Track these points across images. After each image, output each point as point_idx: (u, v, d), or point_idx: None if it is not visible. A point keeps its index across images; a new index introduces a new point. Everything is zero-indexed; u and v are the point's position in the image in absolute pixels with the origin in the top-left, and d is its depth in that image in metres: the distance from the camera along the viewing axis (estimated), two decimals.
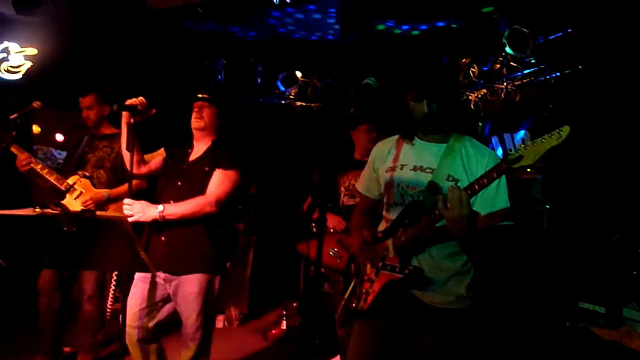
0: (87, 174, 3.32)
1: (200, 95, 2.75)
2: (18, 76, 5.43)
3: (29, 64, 5.44)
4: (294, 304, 5.10)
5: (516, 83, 4.63)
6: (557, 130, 1.58)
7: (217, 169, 2.65)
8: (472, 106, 4.98)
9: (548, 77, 4.30)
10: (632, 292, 3.01)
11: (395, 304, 2.00)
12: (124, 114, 2.62)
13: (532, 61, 4.21)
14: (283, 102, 6.22)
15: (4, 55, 5.37)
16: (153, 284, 2.61)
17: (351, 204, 3.56)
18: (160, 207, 2.50)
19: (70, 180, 3.29)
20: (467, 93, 5.03)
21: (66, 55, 5.42)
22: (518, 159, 1.64)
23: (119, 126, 2.83)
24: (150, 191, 2.84)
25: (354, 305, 2.09)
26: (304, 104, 6.28)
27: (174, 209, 2.54)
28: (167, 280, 2.62)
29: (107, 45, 5.38)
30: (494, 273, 2.08)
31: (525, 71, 4.38)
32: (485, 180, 1.73)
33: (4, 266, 1.80)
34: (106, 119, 3.61)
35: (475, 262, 1.97)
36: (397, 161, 2.09)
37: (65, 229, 1.61)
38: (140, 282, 2.62)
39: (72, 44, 5.39)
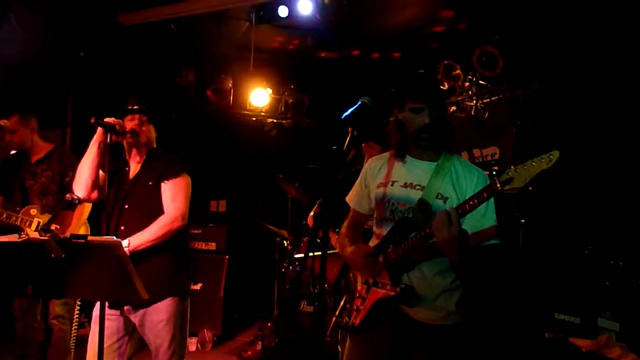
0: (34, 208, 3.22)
1: (129, 107, 2.59)
2: None
3: None
4: (269, 324, 5.03)
5: (485, 100, 4.77)
6: (547, 155, 1.63)
7: (164, 182, 2.52)
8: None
9: (516, 94, 4.45)
10: (606, 302, 3.11)
11: (386, 320, 2.01)
12: (99, 130, 2.48)
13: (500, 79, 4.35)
14: (254, 118, 6.19)
15: None
16: (116, 318, 2.46)
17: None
18: (125, 242, 2.35)
19: (23, 213, 3.18)
20: None
21: (29, 73, 5.22)
22: (509, 181, 1.68)
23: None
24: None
25: (345, 321, 2.10)
26: (275, 120, 6.27)
27: (140, 240, 2.40)
28: (131, 311, 2.46)
29: (74, 62, 5.22)
30: (481, 290, 2.10)
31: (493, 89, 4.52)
32: (475, 201, 1.76)
33: None
34: (34, 136, 3.42)
35: (464, 281, 1.99)
36: (389, 177, 2.11)
37: (53, 255, 1.53)
38: (101, 318, 2.37)
39: (36, 61, 5.20)
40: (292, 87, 6.01)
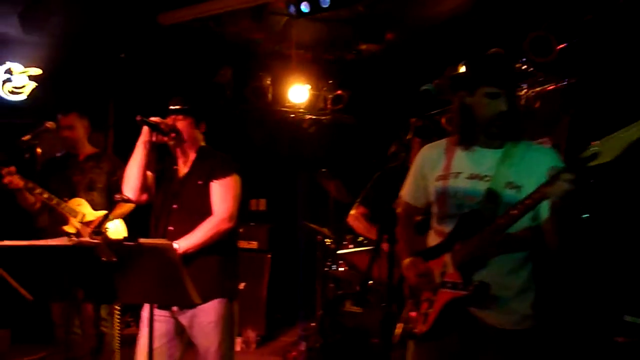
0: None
1: (171, 107, 2.50)
2: (22, 97, 5.30)
3: (33, 85, 5.31)
4: (312, 324, 4.94)
5: (536, 89, 4.52)
6: (637, 123, 1.46)
7: (213, 181, 2.45)
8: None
9: (569, 83, 4.19)
10: None
11: (456, 325, 1.86)
12: (145, 130, 2.42)
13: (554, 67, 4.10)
14: (293, 115, 6.11)
15: (8, 76, 5.23)
16: (166, 320, 2.40)
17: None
18: (175, 244, 2.23)
19: (72, 204, 3.22)
20: None
21: (72, 75, 5.30)
22: (594, 157, 1.51)
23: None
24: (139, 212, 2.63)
25: (410, 327, 1.94)
26: (313, 116, 6.17)
27: (189, 242, 2.32)
28: (180, 312, 2.41)
29: (114, 64, 5.26)
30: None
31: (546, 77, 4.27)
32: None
33: (30, 300, 1.64)
34: (85, 137, 3.49)
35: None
36: (450, 169, 1.95)
37: (104, 259, 1.47)
38: (150, 321, 2.33)
39: (78, 64, 5.27)
40: (331, 82, 5.90)
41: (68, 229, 3.22)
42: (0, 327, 4.34)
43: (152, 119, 2.41)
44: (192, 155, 2.55)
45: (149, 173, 2.47)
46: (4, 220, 4.19)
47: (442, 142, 2.06)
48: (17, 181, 3.05)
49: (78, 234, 3.20)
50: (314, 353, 4.49)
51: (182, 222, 2.39)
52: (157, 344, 2.33)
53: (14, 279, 1.61)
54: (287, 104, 5.84)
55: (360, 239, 4.38)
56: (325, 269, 4.70)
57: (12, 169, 3.04)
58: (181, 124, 2.49)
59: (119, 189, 3.37)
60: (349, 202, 4.98)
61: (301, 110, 5.99)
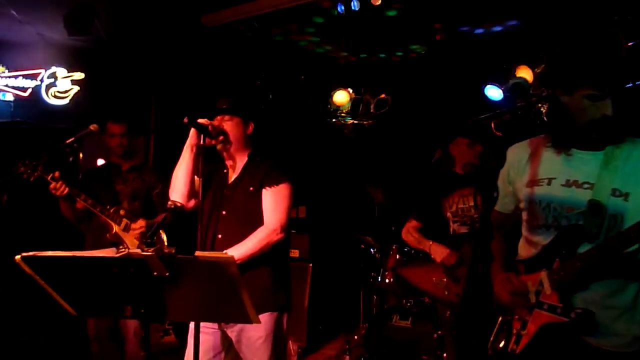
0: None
1: (217, 108, 2.37)
2: (65, 101, 5.32)
3: (76, 89, 5.33)
4: (355, 337, 4.73)
5: None
6: None
7: (266, 188, 2.30)
8: (544, 117, 4.58)
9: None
10: None
11: (552, 348, 1.65)
12: (192, 132, 2.31)
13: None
14: (334, 119, 5.93)
15: (52, 80, 5.27)
16: (213, 332, 2.28)
17: (463, 232, 3.20)
18: None
19: (113, 212, 3.17)
20: (539, 105, 4.63)
21: (114, 79, 5.28)
22: None
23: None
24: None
25: (501, 346, 1.76)
26: (355, 121, 5.98)
27: (238, 253, 2.17)
28: (227, 325, 2.27)
29: (156, 67, 5.21)
30: None
31: None
32: None
33: (74, 315, 1.50)
34: (132, 147, 3.46)
35: None
36: (540, 174, 1.74)
37: (155, 273, 1.31)
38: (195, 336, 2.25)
39: (121, 67, 5.25)
40: (373, 86, 5.71)
41: (111, 237, 3.17)
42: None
43: (200, 120, 2.28)
44: (242, 160, 2.42)
45: (196, 178, 2.33)
46: (45, 229, 4.17)
47: (527, 143, 1.86)
48: (62, 187, 2.99)
49: (122, 242, 3.13)
50: None
51: (231, 230, 2.26)
52: (204, 358, 2.21)
53: (56, 292, 1.47)
54: (329, 108, 5.68)
55: (406, 249, 4.19)
56: (370, 280, 4.50)
57: (57, 174, 2.98)
58: (228, 124, 2.37)
59: (161, 203, 3.30)
60: (394, 209, 4.79)
61: (342, 114, 5.81)
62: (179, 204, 1.90)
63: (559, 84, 1.71)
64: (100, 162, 5.57)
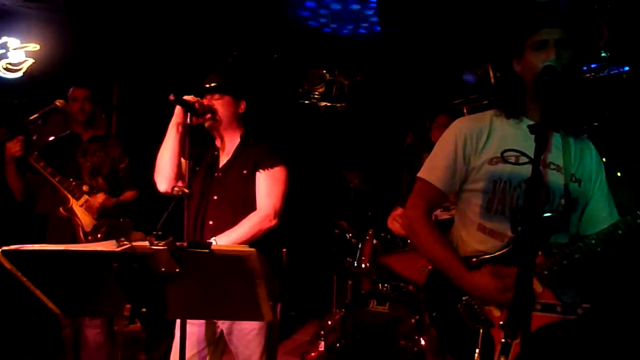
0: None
1: (206, 86, 2.21)
2: (18, 75, 4.91)
3: (30, 62, 4.92)
4: (330, 322, 4.67)
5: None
6: None
7: (260, 170, 2.18)
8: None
9: (617, 71, 3.92)
10: None
11: (564, 348, 1.57)
12: (178, 110, 2.14)
13: (603, 54, 3.83)
14: (306, 101, 5.78)
15: (3, 51, 4.83)
16: (200, 324, 2.16)
17: (446, 218, 3.14)
18: (213, 241, 2.04)
19: (77, 185, 2.97)
20: None
21: (72, 51, 4.91)
22: None
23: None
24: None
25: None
26: (328, 104, 5.85)
27: (229, 239, 2.07)
28: None
29: (119, 40, 4.88)
30: None
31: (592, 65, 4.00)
32: None
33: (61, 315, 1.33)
34: (94, 119, 3.23)
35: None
36: (505, 150, 1.58)
37: (164, 269, 1.16)
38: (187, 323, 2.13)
39: (80, 39, 4.88)
40: (347, 68, 5.59)
41: (66, 211, 2.97)
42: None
43: (186, 97, 2.11)
44: (234, 140, 2.27)
45: (182, 160, 2.16)
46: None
47: (482, 116, 1.72)
48: (18, 146, 2.76)
49: (73, 218, 2.95)
50: (333, 354, 4.22)
51: (222, 216, 2.13)
52: (191, 351, 2.10)
53: (41, 291, 1.29)
54: (301, 90, 5.52)
55: (383, 234, 4.14)
56: (346, 265, 4.43)
57: (20, 137, 2.76)
58: (219, 103, 2.21)
59: (128, 179, 3.16)
60: (370, 194, 4.73)
61: (315, 96, 5.67)
62: (186, 190, 1.73)
63: (511, 51, 1.62)
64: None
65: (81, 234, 2.97)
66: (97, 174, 3.10)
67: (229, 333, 2.15)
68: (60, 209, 2.97)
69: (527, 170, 1.49)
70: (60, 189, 2.93)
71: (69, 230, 2.98)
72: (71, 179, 2.99)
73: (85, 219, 2.99)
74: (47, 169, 2.86)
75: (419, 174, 1.76)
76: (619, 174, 3.37)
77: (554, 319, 1.52)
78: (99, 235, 2.99)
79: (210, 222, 2.12)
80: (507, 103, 1.64)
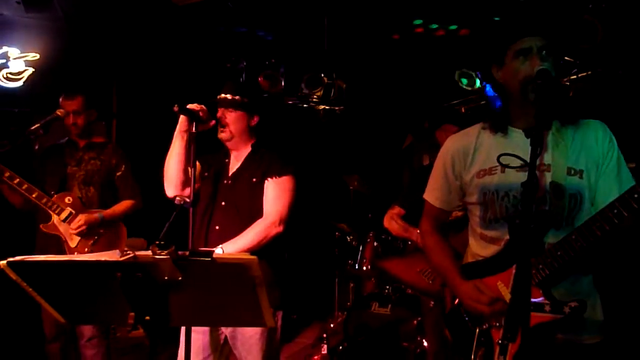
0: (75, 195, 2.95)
1: (221, 98, 2.27)
2: (19, 84, 4.94)
3: (30, 71, 4.96)
4: (332, 325, 4.69)
5: (571, 78, 4.28)
6: None
7: (268, 179, 2.22)
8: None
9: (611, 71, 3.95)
10: None
11: (550, 349, 1.57)
12: (182, 119, 2.18)
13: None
14: (305, 105, 5.81)
15: (3, 61, 4.86)
16: (204, 331, 2.19)
17: (459, 216, 3.16)
18: (219, 249, 2.07)
19: (56, 199, 2.88)
20: None
21: (72, 60, 4.94)
22: None
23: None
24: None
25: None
26: (326, 107, 5.88)
27: (235, 246, 2.11)
28: None
29: (118, 48, 4.91)
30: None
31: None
32: None
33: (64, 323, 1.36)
34: (92, 126, 3.16)
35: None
36: (491, 161, 1.63)
37: (167, 277, 1.18)
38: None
39: (79, 47, 4.92)
40: (345, 71, 5.61)
41: (47, 228, 2.90)
42: None
43: (190, 106, 2.15)
44: (245, 150, 2.33)
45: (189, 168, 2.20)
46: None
47: (467, 132, 1.76)
48: None
49: (57, 236, 2.89)
50: (335, 357, 4.24)
51: (228, 221, 2.18)
52: (196, 358, 2.14)
53: (45, 300, 1.32)
54: (300, 93, 5.54)
55: (384, 236, 4.16)
56: (347, 267, 4.45)
57: None
58: (232, 116, 2.27)
59: (125, 187, 3.08)
60: (371, 196, 4.75)
61: (314, 99, 5.69)
62: (187, 199, 1.77)
63: (491, 58, 1.62)
64: None
65: (66, 250, 2.91)
66: (90, 184, 3.03)
67: (233, 338, 2.20)
68: (41, 226, 2.90)
69: (513, 177, 1.58)
70: (39, 205, 2.84)
71: (57, 243, 2.92)
72: (52, 192, 2.92)
73: (67, 235, 2.91)
74: (22, 186, 2.77)
75: (424, 195, 1.90)
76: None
77: (545, 318, 1.54)
78: (85, 250, 2.92)
79: (217, 227, 2.17)
80: (495, 115, 1.68)
